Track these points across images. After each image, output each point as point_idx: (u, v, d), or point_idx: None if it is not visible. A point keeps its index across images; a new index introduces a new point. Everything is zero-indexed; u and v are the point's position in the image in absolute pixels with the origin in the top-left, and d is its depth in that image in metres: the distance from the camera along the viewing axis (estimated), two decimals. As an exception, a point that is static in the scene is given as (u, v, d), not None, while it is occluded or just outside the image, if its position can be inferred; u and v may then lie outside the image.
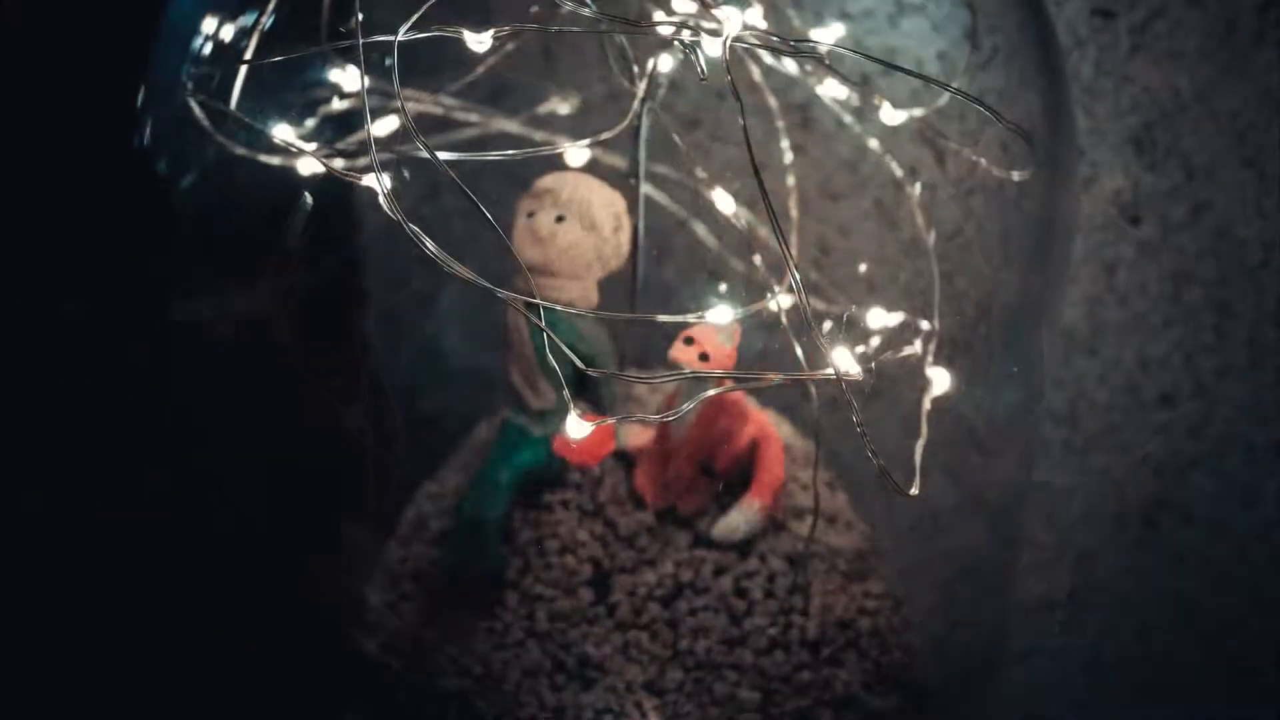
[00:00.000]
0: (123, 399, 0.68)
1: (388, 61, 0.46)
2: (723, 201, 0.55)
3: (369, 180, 0.45)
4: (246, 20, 0.54)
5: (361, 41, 0.46)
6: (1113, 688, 0.86)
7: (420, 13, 0.46)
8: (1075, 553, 0.83)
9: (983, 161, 0.59)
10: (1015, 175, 0.58)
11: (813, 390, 0.54)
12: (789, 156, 0.64)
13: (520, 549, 0.58)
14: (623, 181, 0.57)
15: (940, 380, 0.55)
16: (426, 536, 0.61)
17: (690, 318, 0.51)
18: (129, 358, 0.67)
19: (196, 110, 0.54)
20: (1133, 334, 0.78)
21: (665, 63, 0.56)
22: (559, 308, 0.52)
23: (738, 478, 0.59)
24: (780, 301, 0.52)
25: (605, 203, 0.55)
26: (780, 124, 0.63)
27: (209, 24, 0.55)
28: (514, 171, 0.53)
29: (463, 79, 0.61)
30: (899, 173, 0.63)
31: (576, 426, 0.47)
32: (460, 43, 0.48)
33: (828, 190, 0.75)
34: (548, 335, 0.47)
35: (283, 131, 0.52)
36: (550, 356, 0.48)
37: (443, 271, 0.44)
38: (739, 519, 0.58)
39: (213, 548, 0.70)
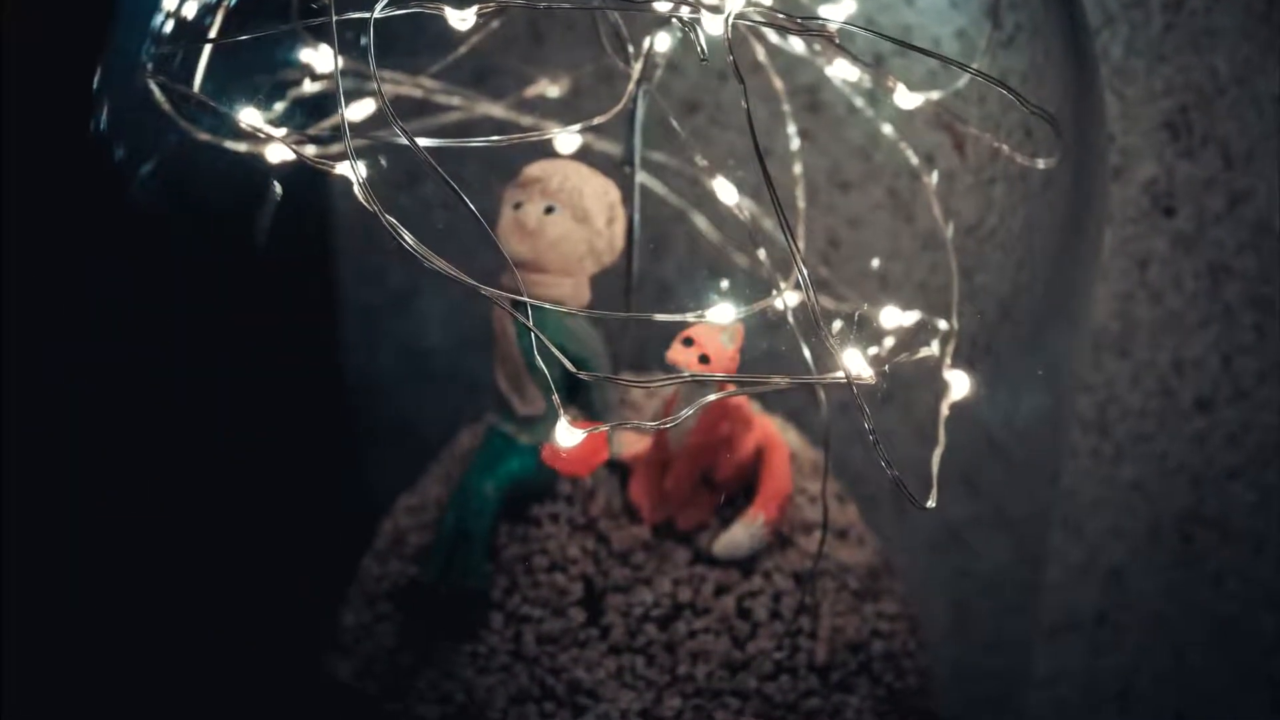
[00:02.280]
0: (123, 399, 0.69)
1: (363, 40, 0.46)
2: (724, 191, 0.55)
3: (343, 168, 0.45)
4: (211, -5, 0.54)
5: (335, 19, 0.46)
6: (1145, 715, 0.86)
7: (398, -13, 0.46)
8: (1105, 569, 0.84)
9: (1005, 148, 0.59)
10: (1040, 163, 0.58)
11: (821, 395, 0.54)
12: (796, 143, 0.64)
13: (506, 566, 0.58)
14: (617, 170, 0.57)
15: (959, 384, 0.55)
16: (405, 552, 0.61)
17: (690, 317, 0.51)
18: (129, 358, 0.68)
19: (157, 93, 0.53)
20: (1167, 334, 0.78)
21: (662, 42, 0.56)
22: (548, 306, 0.52)
23: (740, 489, 0.59)
24: (786, 299, 0.52)
25: (598, 192, 0.55)
26: (786, 108, 0.63)
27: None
28: (499, 159, 0.52)
29: (444, 59, 0.61)
30: (914, 161, 0.63)
31: (567, 434, 0.47)
32: (441, 20, 0.48)
33: (837, 179, 0.75)
34: (536, 336, 0.47)
35: (250, 116, 0.51)
36: (538, 359, 0.48)
37: (422, 267, 0.44)
38: (742, 534, 0.58)
39: (208, 551, 0.71)
